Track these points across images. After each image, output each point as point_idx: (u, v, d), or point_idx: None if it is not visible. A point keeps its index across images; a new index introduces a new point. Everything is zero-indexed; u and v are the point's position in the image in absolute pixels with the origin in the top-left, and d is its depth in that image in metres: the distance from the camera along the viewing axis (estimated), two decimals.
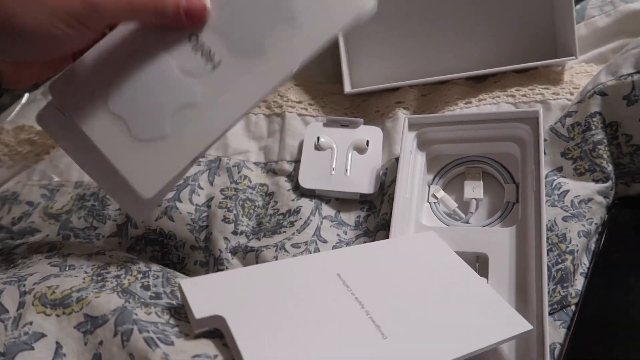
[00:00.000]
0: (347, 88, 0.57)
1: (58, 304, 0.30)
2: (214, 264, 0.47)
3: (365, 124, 0.55)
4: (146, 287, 0.34)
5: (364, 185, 0.51)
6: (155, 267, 0.37)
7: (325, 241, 0.48)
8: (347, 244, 0.48)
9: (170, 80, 0.35)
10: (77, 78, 0.35)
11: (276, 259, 0.45)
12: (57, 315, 0.30)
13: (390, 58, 0.59)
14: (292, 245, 0.46)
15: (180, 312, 0.32)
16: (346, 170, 0.52)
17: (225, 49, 0.35)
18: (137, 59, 0.35)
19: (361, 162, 0.52)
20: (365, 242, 0.48)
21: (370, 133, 0.54)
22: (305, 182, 0.51)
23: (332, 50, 0.58)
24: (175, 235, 0.49)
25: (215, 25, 0.35)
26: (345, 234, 0.49)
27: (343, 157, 0.53)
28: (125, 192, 0.36)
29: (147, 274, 0.36)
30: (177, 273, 0.38)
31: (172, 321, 0.31)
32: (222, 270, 0.46)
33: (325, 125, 0.55)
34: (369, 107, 0.59)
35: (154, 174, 0.34)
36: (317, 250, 0.47)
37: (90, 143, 0.35)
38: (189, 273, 0.48)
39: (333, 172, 0.52)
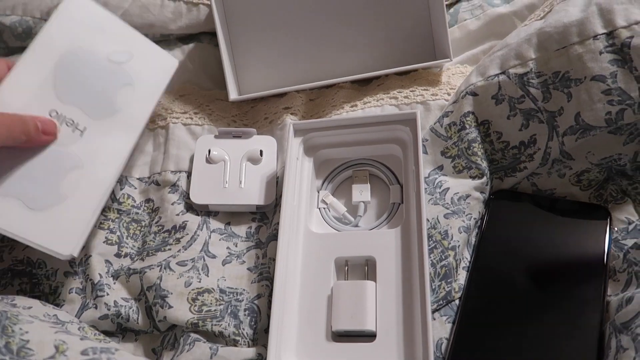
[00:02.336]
0: (232, 95, 0.56)
1: None
2: (92, 290, 0.44)
3: (257, 132, 0.54)
4: None
5: (260, 196, 0.49)
6: None
7: (214, 256, 0.46)
8: (238, 257, 0.46)
9: (51, 154, 0.41)
10: None
11: (160, 280, 0.43)
12: None
13: (278, 63, 0.58)
14: (178, 264, 0.44)
15: None
16: (240, 182, 0.50)
17: (85, 117, 0.44)
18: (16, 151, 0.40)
19: (256, 172, 0.51)
20: (257, 254, 0.46)
21: (264, 142, 0.52)
22: (197, 197, 0.49)
23: (218, 54, 0.56)
24: (45, 263, 0.45)
25: (70, 101, 0.43)
26: (236, 246, 0.47)
27: (236, 169, 0.51)
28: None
29: None
30: (23, 316, 0.33)
31: None
32: (101, 297, 0.43)
33: (216, 137, 0.53)
34: (258, 113, 0.58)
35: (68, 232, 0.40)
36: (205, 267, 0.45)
37: None
38: (63, 304, 0.44)
39: (226, 185, 0.50)
